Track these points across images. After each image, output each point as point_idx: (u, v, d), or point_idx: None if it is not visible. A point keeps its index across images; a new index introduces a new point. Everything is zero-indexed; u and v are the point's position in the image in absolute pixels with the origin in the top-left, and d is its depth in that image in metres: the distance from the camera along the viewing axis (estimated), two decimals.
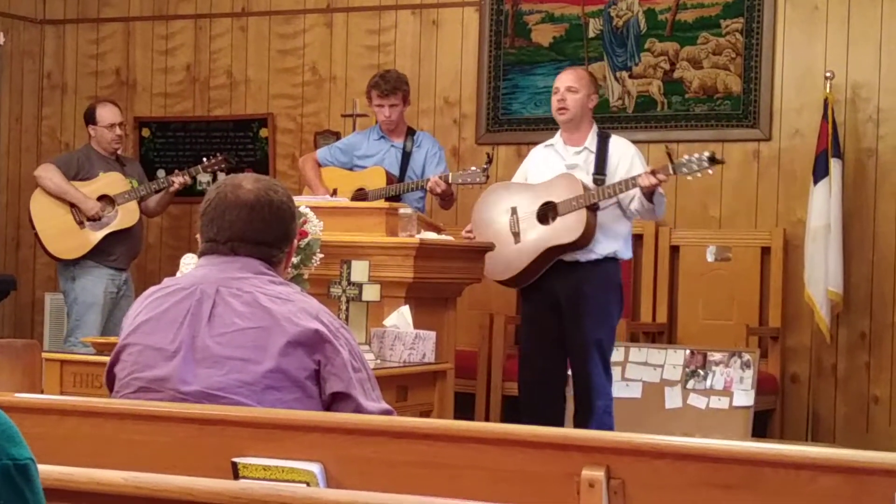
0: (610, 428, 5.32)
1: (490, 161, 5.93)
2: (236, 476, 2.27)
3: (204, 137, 8.02)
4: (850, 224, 6.50)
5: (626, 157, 5.49)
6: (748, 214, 6.80)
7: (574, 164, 5.53)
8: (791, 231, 6.67)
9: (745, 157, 6.82)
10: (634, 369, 6.27)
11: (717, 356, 6.17)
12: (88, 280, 6.61)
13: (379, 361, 4.37)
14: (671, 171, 5.23)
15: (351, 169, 6.27)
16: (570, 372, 5.52)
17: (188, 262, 4.23)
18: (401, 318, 4.54)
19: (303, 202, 4.46)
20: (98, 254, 6.61)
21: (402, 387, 4.36)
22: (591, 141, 5.55)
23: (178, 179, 6.72)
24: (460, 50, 7.44)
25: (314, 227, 4.35)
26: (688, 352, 6.25)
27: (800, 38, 6.74)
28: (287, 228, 2.86)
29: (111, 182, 6.66)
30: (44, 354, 4.41)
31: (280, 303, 2.71)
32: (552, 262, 5.44)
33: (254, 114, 7.91)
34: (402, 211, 5.06)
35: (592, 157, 5.52)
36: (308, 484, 2.22)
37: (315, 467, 2.24)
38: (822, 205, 6.33)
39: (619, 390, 6.19)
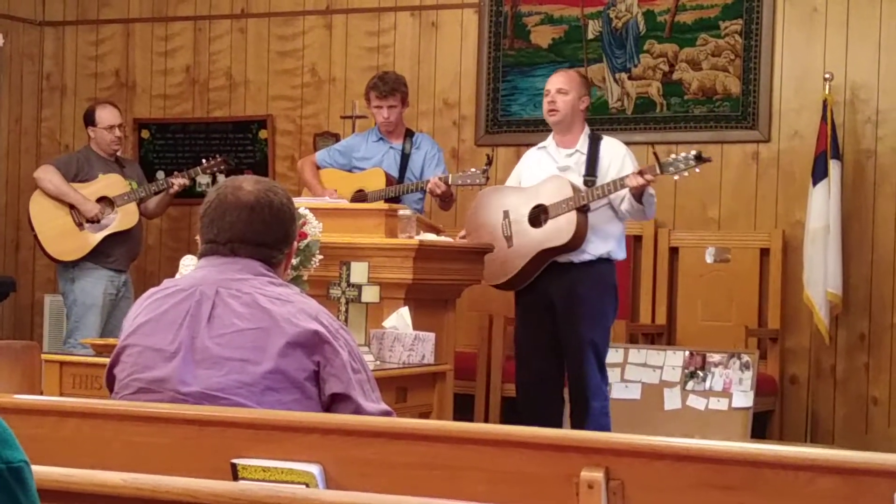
0: (607, 428, 5.32)
1: (490, 162, 5.94)
2: (236, 477, 2.27)
3: (203, 139, 8.02)
4: (849, 225, 6.50)
5: (617, 158, 5.50)
6: (747, 216, 6.81)
7: (566, 166, 5.54)
8: (790, 232, 6.67)
9: (745, 159, 6.82)
10: (633, 370, 6.27)
11: (716, 357, 6.17)
12: (88, 282, 6.62)
13: (378, 363, 4.37)
14: (658, 171, 5.23)
15: (350, 171, 6.27)
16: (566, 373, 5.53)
17: (187, 263, 4.23)
18: (400, 319, 4.54)
19: (302, 203, 4.46)
20: (97, 255, 6.61)
21: (401, 388, 4.36)
22: (583, 143, 5.56)
23: (178, 181, 6.73)
24: (459, 51, 7.44)
25: (313, 228, 4.36)
26: (687, 353, 6.25)
27: (799, 39, 6.74)
28: (287, 230, 2.87)
29: (110, 184, 6.66)
30: (43, 356, 4.41)
31: (279, 304, 2.71)
32: (546, 264, 5.45)
33: (253, 115, 7.91)
34: (401, 212, 5.06)
35: (584, 159, 5.53)
36: (307, 485, 2.22)
37: (314, 468, 2.24)
38: (821, 206, 6.34)
39: (618, 391, 6.20)
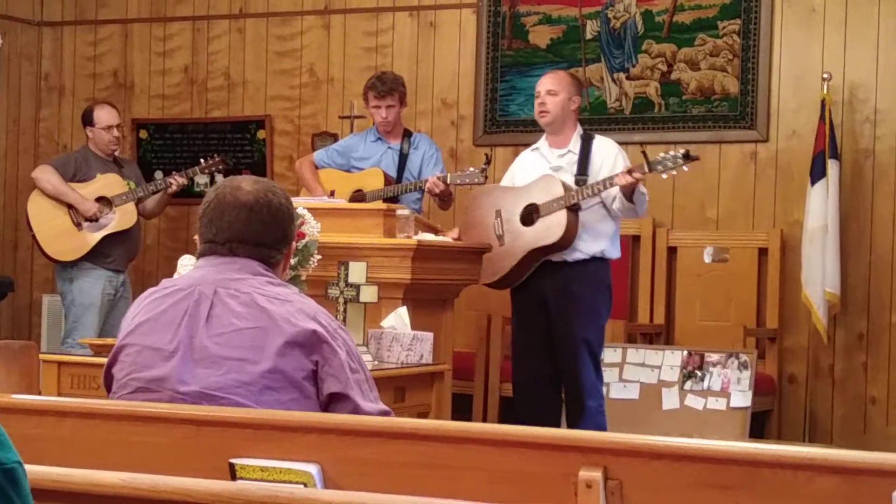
0: (603, 428, 5.33)
1: (488, 162, 5.94)
2: (234, 477, 2.27)
3: (201, 139, 8.02)
4: (847, 225, 6.51)
5: (609, 157, 5.50)
6: (745, 215, 6.81)
7: (558, 166, 5.55)
8: (788, 232, 6.67)
9: (743, 159, 6.82)
10: (632, 370, 6.27)
11: (714, 357, 6.17)
12: (86, 282, 6.61)
13: (376, 362, 4.37)
14: (647, 170, 5.24)
15: (348, 171, 6.27)
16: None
17: (186, 263, 4.23)
18: (398, 319, 4.54)
19: (300, 203, 4.46)
20: (96, 255, 6.60)
21: (399, 388, 4.36)
22: (575, 143, 5.58)
23: (176, 181, 6.72)
24: (458, 52, 7.44)
25: (312, 228, 4.36)
26: (685, 353, 6.25)
27: (797, 39, 6.74)
28: (285, 230, 2.87)
29: (109, 184, 6.66)
30: (41, 356, 4.41)
31: (278, 303, 2.71)
32: (538, 263, 5.46)
33: (251, 115, 7.91)
34: (399, 212, 5.06)
35: (576, 159, 5.54)
36: (305, 485, 2.22)
37: (312, 468, 2.24)
38: (820, 206, 6.34)
39: (616, 391, 6.20)
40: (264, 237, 2.82)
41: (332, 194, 6.05)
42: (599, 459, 2.09)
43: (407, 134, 6.31)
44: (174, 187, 6.73)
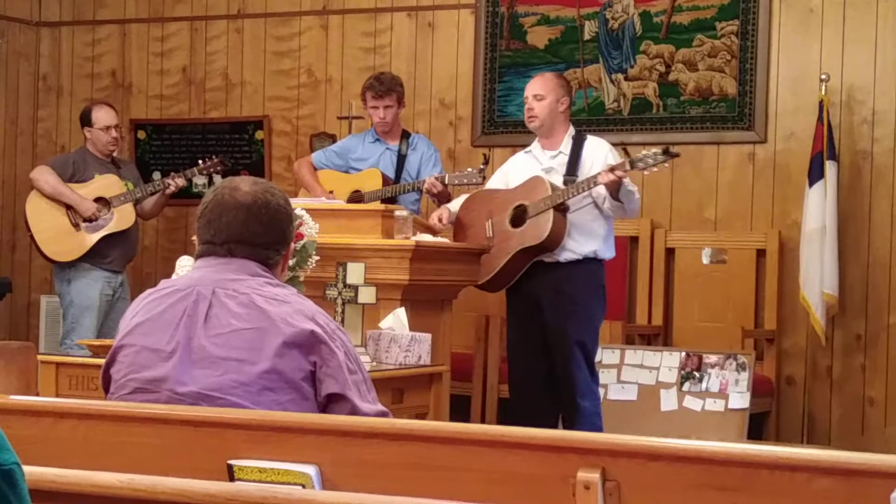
0: (598, 429, 5.33)
1: (486, 162, 5.95)
2: (232, 478, 2.27)
3: (200, 140, 8.02)
4: (845, 226, 6.51)
5: (598, 157, 5.51)
6: (744, 217, 6.81)
7: (550, 167, 5.57)
8: (786, 233, 6.67)
9: (741, 160, 6.82)
10: (630, 371, 6.27)
11: (712, 358, 6.17)
12: (84, 282, 6.61)
13: (375, 363, 4.37)
14: (628, 167, 5.24)
15: (347, 171, 6.27)
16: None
17: (184, 264, 4.23)
18: (396, 320, 4.54)
19: (298, 204, 4.47)
20: (94, 256, 6.60)
21: (397, 389, 4.37)
22: (566, 144, 5.59)
23: (174, 182, 6.72)
24: (456, 52, 7.44)
25: (310, 229, 4.36)
26: (683, 354, 6.26)
27: (795, 40, 6.74)
28: (284, 231, 2.87)
29: (107, 184, 6.66)
30: (39, 357, 4.40)
31: (276, 304, 2.71)
32: (528, 263, 5.47)
33: (249, 116, 7.91)
34: (397, 213, 5.06)
35: (567, 160, 5.55)
36: (303, 486, 2.22)
37: (311, 469, 2.24)
38: (818, 207, 6.34)
39: (614, 392, 6.20)
40: (262, 238, 2.82)
41: (329, 194, 6.06)
42: (597, 461, 2.09)
43: (405, 135, 6.31)
44: (172, 188, 6.73)
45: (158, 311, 2.78)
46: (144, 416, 2.46)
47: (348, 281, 4.33)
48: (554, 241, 5.38)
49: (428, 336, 4.49)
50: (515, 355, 5.64)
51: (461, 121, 7.42)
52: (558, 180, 5.47)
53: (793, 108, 6.72)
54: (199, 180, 7.53)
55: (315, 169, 6.34)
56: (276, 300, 2.72)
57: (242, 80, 7.94)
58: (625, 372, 6.27)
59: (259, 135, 7.88)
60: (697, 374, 6.17)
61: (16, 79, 8.25)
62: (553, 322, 5.45)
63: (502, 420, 6.41)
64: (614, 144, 5.74)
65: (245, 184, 2.85)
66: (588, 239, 5.49)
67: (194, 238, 2.93)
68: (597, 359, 5.63)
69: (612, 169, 5.25)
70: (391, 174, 6.16)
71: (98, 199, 6.61)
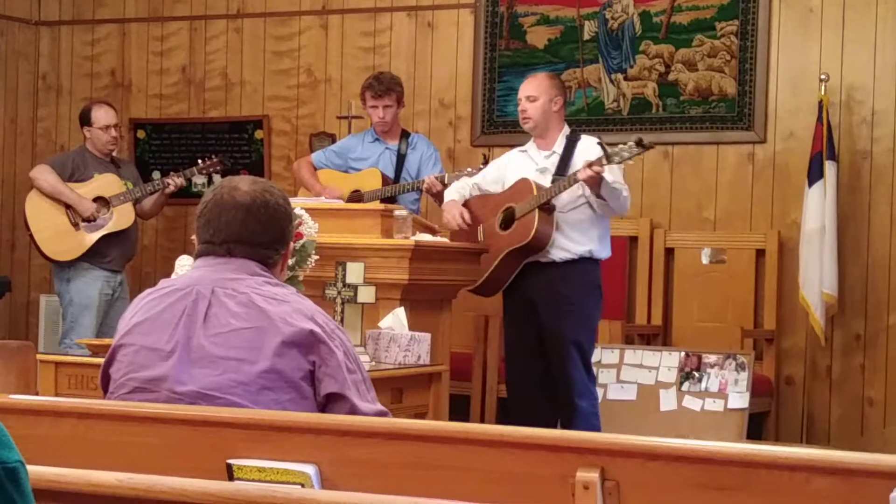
0: (596, 429, 5.33)
1: (486, 162, 5.95)
2: (231, 477, 2.27)
3: (199, 139, 8.01)
4: (844, 226, 6.51)
5: (590, 155, 5.49)
6: (743, 217, 6.81)
7: (544, 167, 5.57)
8: (786, 233, 6.67)
9: (740, 160, 6.82)
10: (629, 371, 6.27)
11: (711, 358, 6.17)
12: (83, 282, 6.61)
13: (374, 363, 4.37)
14: (605, 162, 5.22)
15: (346, 171, 6.27)
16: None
17: (183, 263, 4.23)
18: (396, 319, 4.54)
19: (298, 204, 4.46)
20: (93, 255, 6.60)
21: (397, 389, 4.36)
22: (560, 144, 5.59)
23: (174, 181, 6.73)
24: (455, 52, 7.44)
25: (309, 228, 4.36)
26: (683, 354, 6.26)
27: (794, 40, 6.74)
28: (283, 230, 2.87)
29: (106, 184, 6.66)
30: (38, 356, 4.40)
31: (275, 303, 2.71)
32: (520, 265, 5.46)
33: (249, 116, 7.91)
34: (397, 213, 5.06)
35: (559, 160, 5.56)
36: (303, 485, 2.22)
37: (310, 469, 2.24)
38: (817, 207, 6.34)
39: (614, 392, 6.20)
40: (262, 237, 2.82)
41: (332, 193, 6.06)
42: (596, 460, 2.09)
43: (405, 134, 6.32)
44: (171, 188, 6.73)
45: (158, 310, 2.78)
46: (143, 415, 2.46)
47: (347, 280, 4.33)
48: (541, 240, 5.37)
49: (427, 336, 4.49)
50: (512, 356, 5.64)
51: (461, 120, 7.42)
52: (549, 180, 5.47)
53: (792, 109, 6.72)
54: (199, 180, 7.53)
55: (315, 169, 6.34)
56: (276, 299, 2.72)
57: (242, 79, 7.94)
58: (624, 372, 6.27)
59: (258, 134, 7.88)
60: (697, 374, 6.17)
61: (15, 78, 8.25)
62: (549, 322, 5.44)
63: (502, 420, 6.41)
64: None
65: (244, 183, 2.85)
66: (583, 238, 5.48)
67: (193, 237, 2.93)
68: (596, 359, 5.63)
69: (589, 165, 5.23)
70: (391, 174, 6.17)
71: (97, 199, 6.61)
